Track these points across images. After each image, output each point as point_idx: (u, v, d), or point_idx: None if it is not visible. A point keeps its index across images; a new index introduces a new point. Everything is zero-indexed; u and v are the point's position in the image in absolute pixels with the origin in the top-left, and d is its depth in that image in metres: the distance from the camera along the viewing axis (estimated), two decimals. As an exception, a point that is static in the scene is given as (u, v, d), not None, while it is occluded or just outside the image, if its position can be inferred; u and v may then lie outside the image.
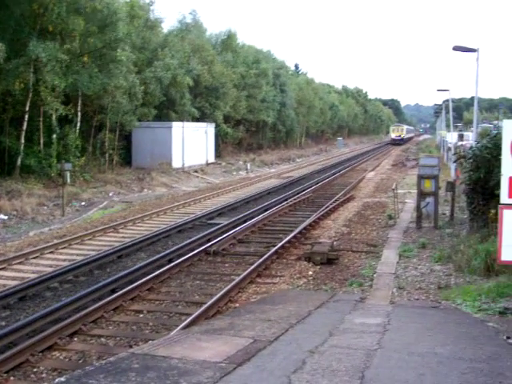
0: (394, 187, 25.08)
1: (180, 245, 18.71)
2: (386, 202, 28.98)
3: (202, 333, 8.86)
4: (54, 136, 33.12)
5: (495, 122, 76.35)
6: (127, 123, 40.15)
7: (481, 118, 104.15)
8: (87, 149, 38.28)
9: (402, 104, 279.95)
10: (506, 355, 8.03)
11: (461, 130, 75.12)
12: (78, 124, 35.96)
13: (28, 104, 30.93)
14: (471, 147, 19.61)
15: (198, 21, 59.94)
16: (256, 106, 63.61)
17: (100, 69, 34.42)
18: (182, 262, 16.48)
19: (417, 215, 21.85)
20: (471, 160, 17.93)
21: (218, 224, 22.73)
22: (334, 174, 45.59)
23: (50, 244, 19.47)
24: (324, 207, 26.31)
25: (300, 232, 20.42)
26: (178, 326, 11.11)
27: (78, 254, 18.27)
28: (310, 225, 21.97)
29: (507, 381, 6.68)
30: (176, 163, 43.93)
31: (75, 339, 11.04)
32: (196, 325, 10.67)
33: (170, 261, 16.77)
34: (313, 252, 16.73)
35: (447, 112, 57.03)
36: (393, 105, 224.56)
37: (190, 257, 17.00)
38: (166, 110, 46.82)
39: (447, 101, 49.36)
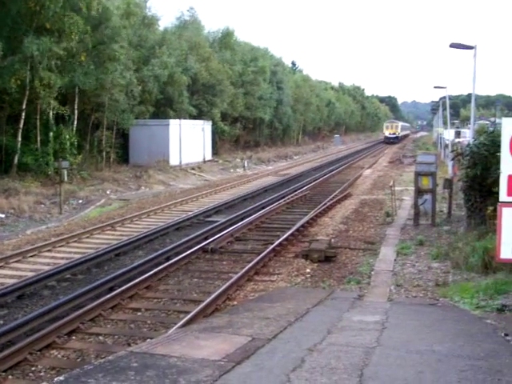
0: (391, 184, 25.12)
1: (177, 243, 18.71)
2: (383, 199, 29.00)
3: (201, 331, 8.86)
4: (51, 134, 33.07)
5: (492, 118, 76.42)
6: (124, 121, 40.10)
7: (478, 114, 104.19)
8: (84, 147, 38.26)
9: (400, 101, 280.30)
10: (505, 352, 8.04)
11: (458, 127, 75.19)
12: (75, 122, 35.94)
13: (25, 102, 30.89)
14: (468, 144, 19.62)
15: (196, 18, 60.06)
16: (253, 104, 63.64)
17: (96, 66, 34.36)
18: (180, 259, 16.48)
19: (414, 212, 21.87)
20: (468, 157, 17.95)
21: (216, 222, 22.73)
22: (331, 171, 45.63)
23: (48, 242, 19.45)
24: (321, 204, 26.33)
25: (297, 229, 20.42)
26: (176, 324, 11.11)
27: (75, 252, 18.25)
28: (307, 222, 21.98)
29: (505, 378, 6.69)
30: (173, 161, 43.92)
31: (73, 338, 11.03)
32: (194, 323, 10.68)
33: (168, 259, 16.77)
34: (310, 249, 16.74)
35: (444, 109, 57.03)
36: (390, 102, 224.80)
37: (187, 255, 16.99)
38: (163, 108, 46.80)
39: (444, 98, 49.34)
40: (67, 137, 33.94)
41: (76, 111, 35.89)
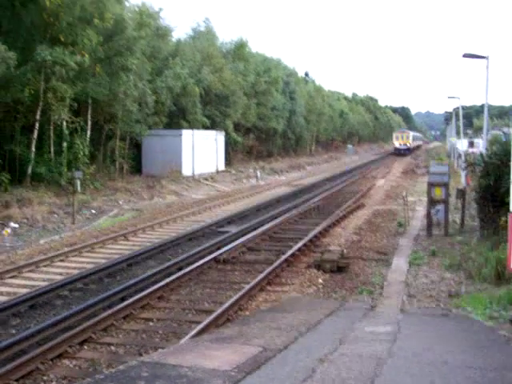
0: (404, 195, 25.05)
1: (190, 253, 18.73)
2: (396, 209, 28.91)
3: (212, 341, 8.86)
4: (65, 144, 33.22)
5: (505, 129, 76.09)
6: (137, 132, 40.22)
7: (491, 124, 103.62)
8: (97, 157, 38.39)
9: (413, 111, 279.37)
10: (517, 364, 7.99)
11: (471, 137, 74.87)
12: (89, 132, 36.10)
13: (38, 112, 31.07)
14: (481, 154, 19.57)
15: (212, 29, 60.33)
16: (266, 114, 63.62)
17: (109, 76, 34.53)
18: (192, 270, 16.48)
19: (427, 223, 21.80)
20: (481, 167, 17.90)
21: (228, 232, 22.74)
22: (344, 181, 45.58)
23: (61, 252, 19.51)
24: (334, 215, 26.29)
25: (310, 240, 20.40)
26: (187, 334, 11.10)
27: (88, 262, 18.30)
28: (320, 232, 21.95)
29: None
30: (186, 171, 43.98)
31: (85, 347, 11.05)
32: (206, 333, 10.67)
33: (180, 269, 16.77)
34: (323, 260, 16.71)
35: (457, 119, 56.90)
36: (403, 112, 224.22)
37: (199, 265, 16.99)
38: (176, 119, 46.90)
39: (458, 108, 49.24)
40: (81, 147, 34.08)
41: (89, 122, 36.04)
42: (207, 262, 17.53)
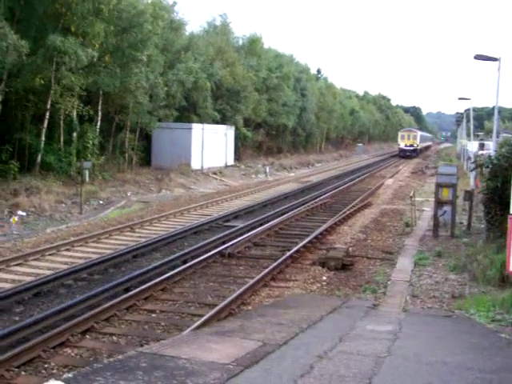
0: (411, 195, 25.00)
1: (195, 246, 18.75)
2: (403, 209, 28.86)
3: (212, 334, 8.89)
4: (75, 134, 33.35)
5: (515, 131, 75.81)
6: (147, 124, 40.29)
7: (502, 127, 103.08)
8: (107, 148, 38.51)
9: (424, 112, 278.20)
10: (517, 366, 7.98)
11: (482, 139, 74.59)
12: (99, 123, 36.21)
13: (49, 102, 31.15)
14: (489, 156, 19.52)
15: (228, 25, 60.44)
16: (277, 110, 63.59)
17: (121, 68, 34.58)
18: (197, 263, 16.51)
19: (434, 223, 21.75)
20: (489, 169, 17.85)
21: (234, 226, 22.76)
22: (353, 179, 45.49)
23: (67, 241, 19.60)
24: (341, 213, 26.26)
25: (316, 237, 20.39)
26: (189, 326, 11.12)
27: (93, 252, 18.37)
28: (326, 230, 21.94)
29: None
30: (195, 165, 44.06)
31: (87, 337, 11.09)
32: (206, 326, 10.69)
33: (185, 262, 16.80)
34: (328, 257, 16.71)
35: (468, 121, 56.72)
36: (414, 112, 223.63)
37: (204, 258, 17.03)
38: (187, 113, 46.96)
39: (469, 109, 49.09)
40: (91, 137, 34.19)
41: (100, 112, 36.15)
42: (212, 255, 17.56)
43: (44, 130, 31.37)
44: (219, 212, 27.14)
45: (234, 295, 13.21)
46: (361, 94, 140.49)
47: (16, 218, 23.11)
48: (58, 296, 13.84)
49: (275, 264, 16.20)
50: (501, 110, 27.88)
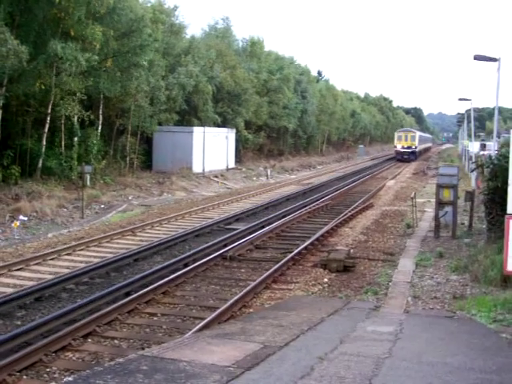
0: (412, 196, 25.00)
1: (196, 249, 18.75)
2: (404, 210, 28.86)
3: (213, 337, 8.90)
4: (76, 138, 33.36)
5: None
6: (148, 127, 40.32)
7: (504, 127, 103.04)
8: (108, 152, 38.52)
9: (426, 112, 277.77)
10: (517, 366, 7.98)
11: (483, 140, 74.52)
12: (100, 127, 36.24)
13: (50, 106, 31.17)
14: (490, 156, 19.51)
15: (230, 28, 60.59)
16: (277, 113, 63.62)
17: (121, 72, 34.61)
18: (198, 266, 16.53)
19: (435, 224, 21.75)
20: (489, 169, 17.84)
21: (236, 229, 22.76)
22: (354, 181, 45.48)
23: (68, 246, 19.62)
24: (342, 214, 26.26)
25: (317, 239, 20.39)
26: (191, 329, 11.13)
27: (95, 256, 18.39)
28: (327, 232, 21.94)
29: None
30: (196, 168, 44.08)
31: (89, 340, 11.10)
32: (208, 329, 10.70)
33: (186, 265, 16.81)
34: (329, 259, 16.70)
35: (469, 121, 56.73)
36: (415, 113, 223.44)
37: (206, 261, 17.04)
38: (188, 116, 47.00)
39: (470, 110, 49.09)
40: (92, 142, 34.22)
41: (101, 116, 36.18)
42: (214, 258, 17.56)
43: (45, 135, 31.37)
44: (221, 215, 27.15)
45: (236, 298, 13.21)
46: (362, 95, 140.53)
47: (18, 223, 23.13)
48: (59, 300, 13.85)
49: (276, 266, 16.22)
50: (502, 111, 27.84)
